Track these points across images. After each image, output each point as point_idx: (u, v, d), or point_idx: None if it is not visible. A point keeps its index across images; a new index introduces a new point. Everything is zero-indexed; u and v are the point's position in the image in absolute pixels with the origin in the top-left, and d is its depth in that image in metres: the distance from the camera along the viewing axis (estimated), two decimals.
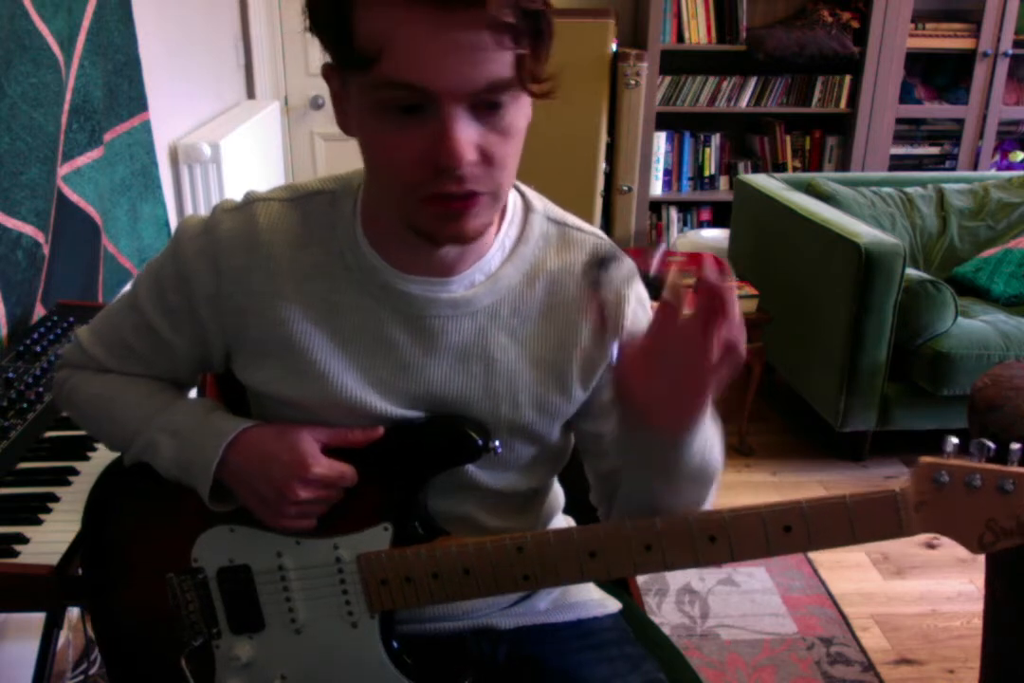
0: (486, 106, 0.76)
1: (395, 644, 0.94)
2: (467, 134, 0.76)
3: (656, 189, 3.97)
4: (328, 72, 0.83)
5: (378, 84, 0.75)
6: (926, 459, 0.82)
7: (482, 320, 0.91)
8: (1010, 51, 3.73)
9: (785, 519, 0.84)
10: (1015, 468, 0.80)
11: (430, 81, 0.74)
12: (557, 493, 1.11)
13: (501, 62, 0.74)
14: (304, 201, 0.92)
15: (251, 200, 0.93)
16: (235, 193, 2.85)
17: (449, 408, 0.93)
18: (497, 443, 0.92)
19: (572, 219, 0.97)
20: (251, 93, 3.46)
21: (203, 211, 2.53)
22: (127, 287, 1.03)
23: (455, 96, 0.74)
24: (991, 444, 0.81)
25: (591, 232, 0.97)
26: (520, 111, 0.80)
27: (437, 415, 0.94)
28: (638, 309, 0.95)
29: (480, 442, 0.91)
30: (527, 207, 0.95)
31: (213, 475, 0.90)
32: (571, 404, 0.95)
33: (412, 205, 0.81)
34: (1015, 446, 0.80)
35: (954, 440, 0.83)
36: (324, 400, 0.91)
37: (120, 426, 0.97)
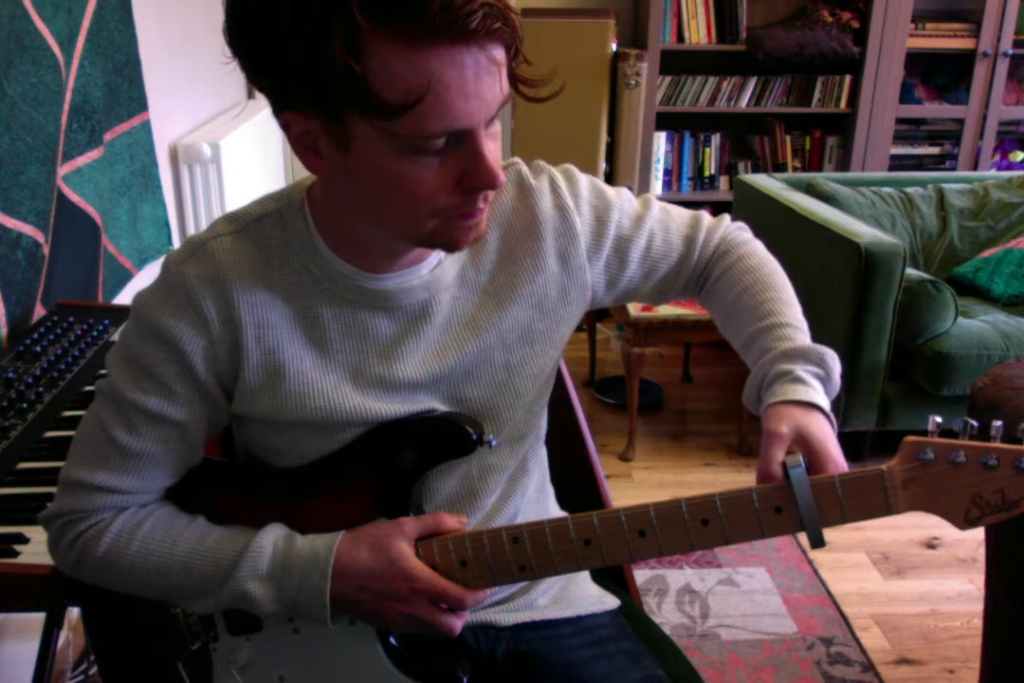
0: (489, 120, 0.78)
1: (393, 641, 0.94)
2: (492, 154, 0.78)
3: (656, 189, 3.97)
4: (293, 118, 0.78)
5: (413, 131, 0.74)
6: (911, 438, 0.84)
7: (455, 290, 0.94)
8: (1010, 51, 3.73)
9: (775, 500, 0.85)
10: (998, 444, 0.82)
11: (468, 119, 0.75)
12: (546, 474, 1.12)
13: (503, 77, 0.77)
14: (252, 228, 0.91)
15: (200, 243, 0.90)
16: (235, 193, 2.85)
17: (451, 381, 0.95)
18: (491, 436, 0.94)
19: None
20: (251, 93, 3.45)
21: (203, 211, 2.53)
22: (89, 409, 0.94)
23: (482, 124, 0.77)
24: (974, 422, 0.83)
25: (504, 166, 0.99)
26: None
27: (432, 411, 0.94)
28: (578, 209, 0.98)
29: (475, 436, 0.92)
30: None
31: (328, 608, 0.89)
32: (560, 324, 1.00)
33: (437, 227, 0.82)
34: (996, 423, 0.82)
35: (937, 419, 0.85)
36: (328, 416, 0.91)
37: (187, 586, 0.91)
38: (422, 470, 0.94)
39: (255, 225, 0.91)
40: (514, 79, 0.79)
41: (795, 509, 0.84)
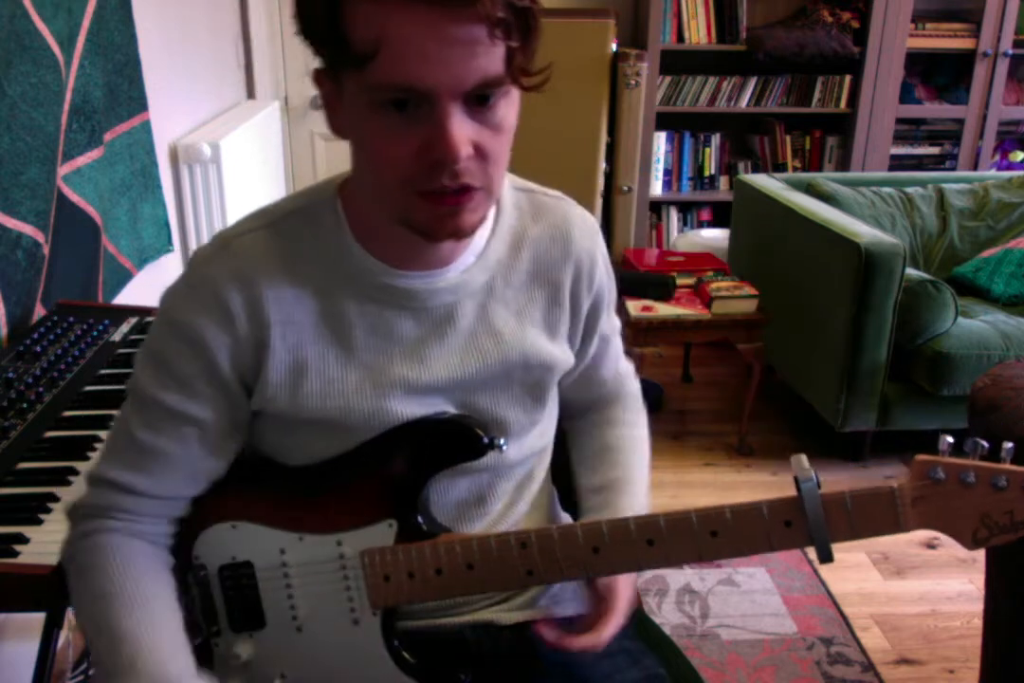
0: (478, 101, 0.78)
1: (396, 642, 0.94)
2: (462, 130, 0.77)
3: (656, 189, 3.97)
4: (319, 76, 0.83)
5: (373, 84, 0.75)
6: (922, 456, 0.85)
7: (482, 298, 0.94)
8: (1010, 51, 3.73)
9: (785, 514, 0.85)
10: (1008, 465, 0.82)
11: (426, 80, 0.74)
12: (549, 480, 1.13)
13: (493, 58, 0.76)
14: (280, 224, 0.91)
15: (227, 239, 0.91)
16: (235, 193, 2.85)
17: (468, 389, 0.95)
18: (502, 441, 0.94)
19: (534, 185, 1.02)
20: (251, 93, 3.45)
21: (203, 211, 2.53)
22: (120, 408, 0.95)
23: (450, 93, 0.75)
24: (984, 443, 0.84)
25: (554, 195, 1.02)
26: (511, 107, 0.81)
27: (443, 413, 0.94)
28: (601, 265, 1.03)
29: (485, 439, 0.92)
30: None
31: None
32: (568, 358, 1.02)
33: (409, 201, 0.81)
34: (1007, 445, 0.83)
35: (949, 439, 0.85)
36: (346, 416, 0.91)
37: (96, 650, 0.87)
38: (432, 472, 0.94)
39: (285, 220, 0.91)
40: (512, 67, 0.77)
41: (805, 523, 0.84)
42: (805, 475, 0.84)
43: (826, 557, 0.85)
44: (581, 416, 1.16)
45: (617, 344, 1.12)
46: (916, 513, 0.84)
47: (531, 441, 1.02)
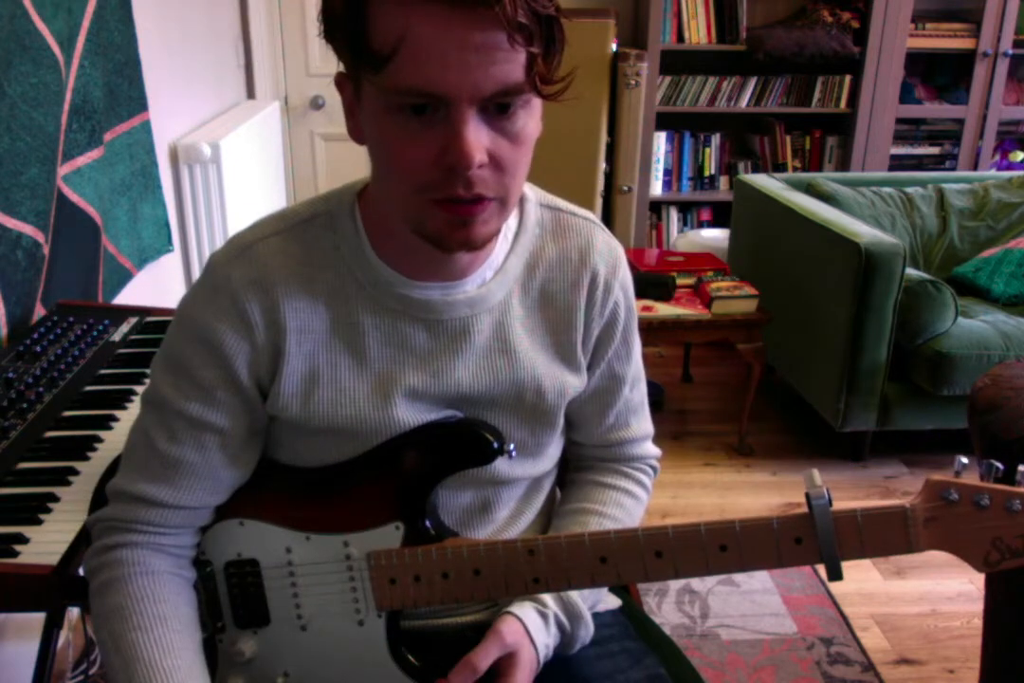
0: (497, 110, 0.77)
1: (400, 644, 0.94)
2: (477, 137, 0.76)
3: (656, 189, 3.97)
4: (341, 80, 0.82)
5: (391, 86, 0.75)
6: (936, 477, 0.84)
7: (498, 314, 0.93)
8: (1010, 51, 3.73)
9: (796, 531, 0.85)
10: (1022, 489, 0.82)
11: (443, 85, 0.73)
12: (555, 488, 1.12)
13: (513, 65, 0.75)
14: (300, 229, 0.90)
15: (246, 245, 0.90)
16: (235, 193, 2.84)
17: (477, 405, 0.94)
18: (512, 446, 0.93)
19: (563, 203, 1.00)
20: (251, 93, 3.45)
21: (203, 211, 2.53)
22: (136, 420, 0.94)
23: (467, 99, 0.74)
24: (999, 465, 0.83)
25: (583, 216, 1.00)
26: (531, 118, 0.80)
27: (453, 417, 0.94)
28: (620, 294, 1.00)
29: (496, 445, 0.92)
30: (521, 196, 0.96)
31: None
32: (583, 383, 1.00)
33: (422, 208, 0.80)
34: (1022, 467, 0.82)
35: (963, 459, 0.85)
36: (358, 425, 0.91)
37: (121, 661, 0.87)
38: (441, 475, 0.93)
39: (303, 226, 0.91)
40: (532, 75, 0.76)
41: (815, 541, 0.84)
42: (817, 492, 0.84)
43: (835, 575, 0.85)
44: (580, 469, 1.10)
45: (632, 397, 1.06)
46: (928, 534, 0.84)
47: (537, 464, 1.02)
